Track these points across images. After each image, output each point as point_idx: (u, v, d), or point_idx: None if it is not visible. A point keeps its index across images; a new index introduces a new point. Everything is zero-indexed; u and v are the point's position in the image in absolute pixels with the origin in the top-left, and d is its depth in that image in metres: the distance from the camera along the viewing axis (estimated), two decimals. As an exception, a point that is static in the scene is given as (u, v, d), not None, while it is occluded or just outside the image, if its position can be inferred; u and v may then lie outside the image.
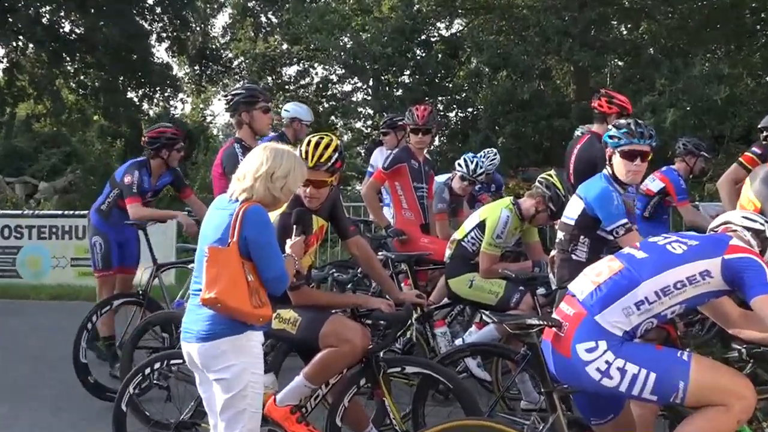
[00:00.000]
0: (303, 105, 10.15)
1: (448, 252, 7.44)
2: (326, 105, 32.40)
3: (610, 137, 5.59)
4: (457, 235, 7.42)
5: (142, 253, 8.52)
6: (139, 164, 8.38)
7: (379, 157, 9.85)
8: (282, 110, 9.95)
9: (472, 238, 7.25)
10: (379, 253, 7.70)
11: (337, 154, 5.33)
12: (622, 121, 5.74)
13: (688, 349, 4.36)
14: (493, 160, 11.21)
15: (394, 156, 8.43)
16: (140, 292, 8.07)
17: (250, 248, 4.39)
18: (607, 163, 5.64)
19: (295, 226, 4.96)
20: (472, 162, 8.76)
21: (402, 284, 7.96)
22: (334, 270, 7.44)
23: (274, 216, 5.08)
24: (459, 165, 8.81)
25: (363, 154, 31.94)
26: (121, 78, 32.17)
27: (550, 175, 7.11)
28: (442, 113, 25.23)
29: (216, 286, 4.28)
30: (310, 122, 9.79)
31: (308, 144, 5.33)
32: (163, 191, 9.29)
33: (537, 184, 7.14)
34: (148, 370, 5.48)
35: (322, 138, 5.38)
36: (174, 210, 9.30)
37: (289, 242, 4.85)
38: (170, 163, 8.48)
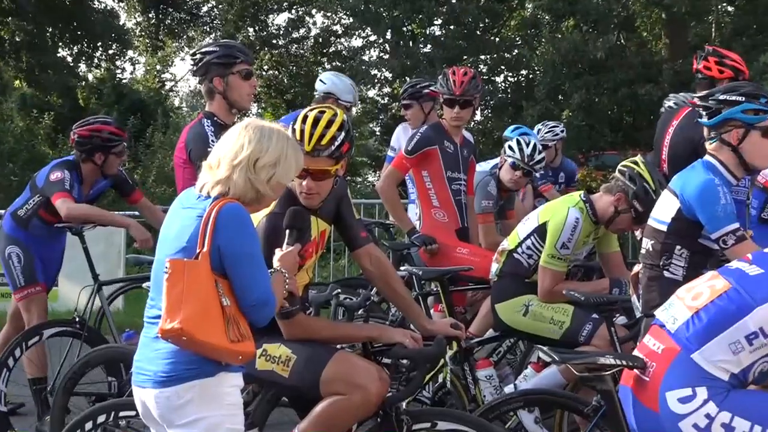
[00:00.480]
0: (345, 78, 10.18)
1: (494, 267, 7.45)
2: (327, 66, 32.48)
3: (746, 111, 5.60)
4: (508, 243, 7.43)
5: (80, 267, 8.57)
6: (68, 165, 8.43)
7: (402, 138, 9.86)
8: (317, 81, 10.03)
9: (529, 247, 7.26)
10: (401, 268, 7.72)
11: (343, 134, 5.33)
12: (738, 84, 5.75)
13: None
14: (553, 128, 11.18)
15: (421, 136, 8.43)
16: (77, 318, 8.13)
17: (226, 261, 4.40)
18: (723, 145, 5.65)
19: (287, 231, 4.98)
20: (527, 143, 8.75)
21: (432, 310, 7.96)
22: (339, 290, 7.45)
23: (258, 218, 5.12)
24: (510, 148, 8.80)
25: (378, 133, 32.04)
26: (50, 30, 32.29)
27: (635, 163, 7.10)
28: (486, 77, 25.26)
29: (180, 313, 4.29)
30: (352, 104, 9.85)
31: (304, 121, 5.34)
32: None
33: (617, 174, 7.13)
34: (89, 425, 5.49)
35: (323, 112, 5.39)
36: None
37: (278, 253, 4.87)
38: (106, 171, 8.54)
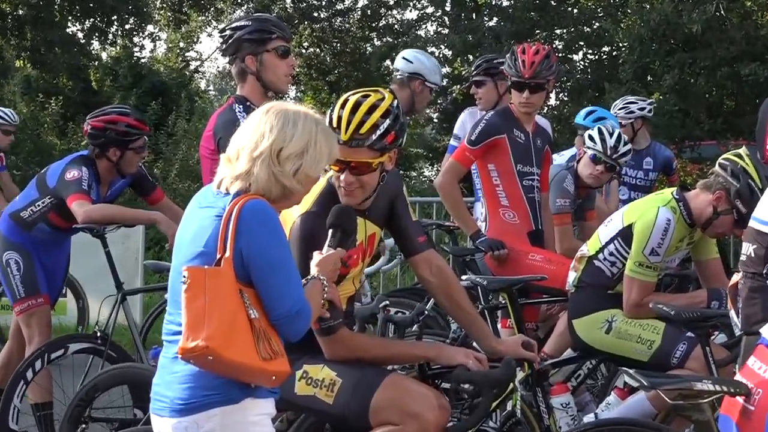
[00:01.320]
0: (432, 59, 10.20)
1: (572, 276, 7.43)
2: (377, 42, 32.56)
3: None
4: (588, 249, 7.40)
5: (91, 275, 8.61)
6: (84, 161, 8.46)
7: (468, 124, 9.82)
8: (400, 58, 10.04)
9: (612, 254, 7.22)
10: (464, 277, 7.69)
11: (387, 122, 5.29)
12: None
13: None
14: (629, 104, 10.91)
15: (486, 123, 8.40)
16: (98, 333, 8.19)
17: (251, 267, 4.40)
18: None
19: (330, 231, 4.96)
20: (611, 133, 8.69)
21: (499, 326, 7.94)
22: (387, 303, 7.42)
23: (293, 217, 5.11)
24: (590, 138, 8.75)
25: (437, 121, 32.03)
26: (58, 2, 32.52)
27: (738, 156, 7.05)
28: (561, 55, 25.18)
29: (203, 329, 4.27)
30: (438, 87, 9.87)
31: (343, 106, 5.31)
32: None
33: (717, 169, 7.08)
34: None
35: (367, 96, 5.37)
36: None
37: (316, 256, 4.85)
38: (123, 169, 8.58)
